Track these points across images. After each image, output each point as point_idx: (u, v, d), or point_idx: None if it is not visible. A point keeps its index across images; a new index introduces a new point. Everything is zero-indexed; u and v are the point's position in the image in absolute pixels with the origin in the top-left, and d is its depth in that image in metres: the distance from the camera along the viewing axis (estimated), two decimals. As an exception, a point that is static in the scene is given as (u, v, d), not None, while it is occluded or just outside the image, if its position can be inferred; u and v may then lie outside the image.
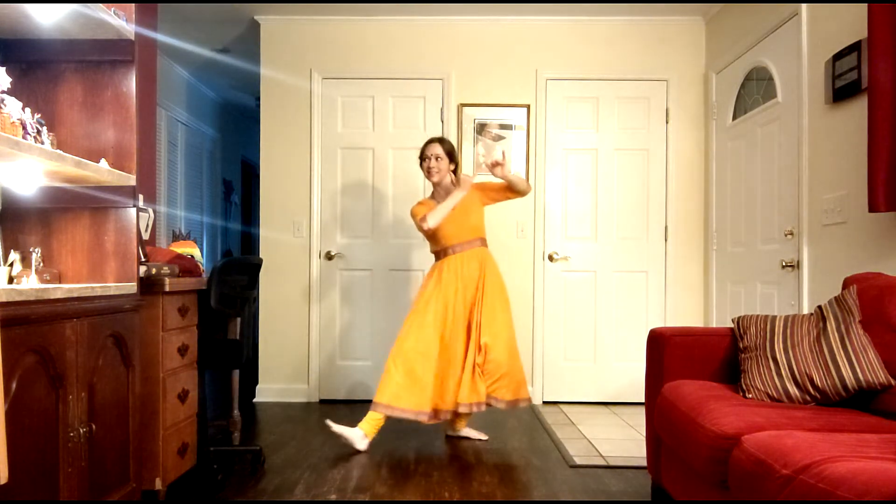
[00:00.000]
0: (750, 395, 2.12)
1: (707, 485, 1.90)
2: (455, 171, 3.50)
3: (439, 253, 3.45)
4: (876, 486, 1.20)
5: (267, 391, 4.48)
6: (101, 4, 2.09)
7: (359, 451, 3.22)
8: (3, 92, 1.77)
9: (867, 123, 2.50)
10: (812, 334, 2.13)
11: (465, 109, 4.44)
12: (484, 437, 3.48)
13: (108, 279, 2.26)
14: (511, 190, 3.43)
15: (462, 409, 3.22)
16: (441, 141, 3.48)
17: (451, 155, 3.48)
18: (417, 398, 3.19)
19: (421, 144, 3.54)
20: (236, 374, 4.04)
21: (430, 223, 3.29)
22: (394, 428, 3.69)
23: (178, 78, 5.61)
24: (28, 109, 1.89)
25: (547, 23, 4.46)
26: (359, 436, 3.23)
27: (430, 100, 4.46)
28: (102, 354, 2.03)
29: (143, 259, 2.67)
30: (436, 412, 3.25)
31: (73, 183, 2.16)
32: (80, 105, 2.28)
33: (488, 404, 3.28)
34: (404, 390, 3.18)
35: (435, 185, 3.50)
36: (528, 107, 4.45)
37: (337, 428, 3.24)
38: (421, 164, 3.51)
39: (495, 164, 3.33)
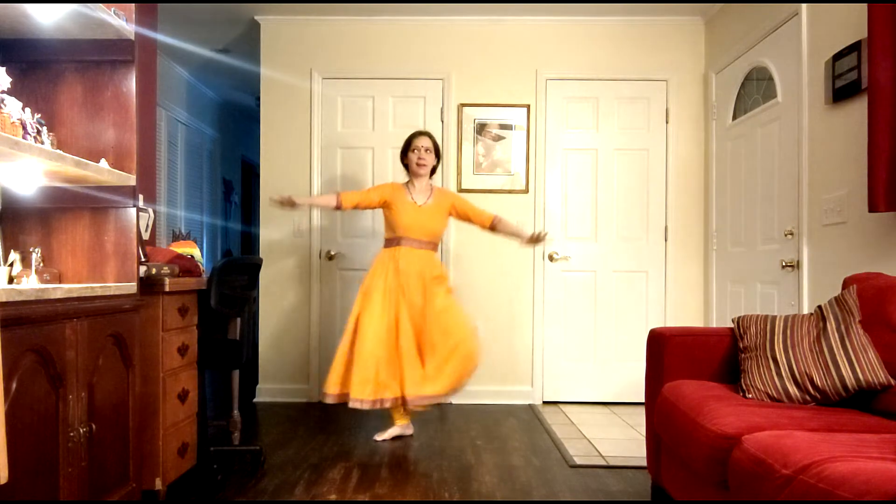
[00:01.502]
0: (750, 395, 2.12)
1: (707, 485, 1.90)
2: (435, 167, 3.56)
3: (391, 241, 3.47)
4: (876, 486, 1.20)
5: (267, 391, 4.48)
6: (101, 4, 2.09)
7: (378, 443, 3.39)
8: (3, 92, 1.77)
9: (867, 123, 2.50)
10: (812, 334, 2.13)
11: (465, 109, 4.44)
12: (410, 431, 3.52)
13: (108, 279, 2.26)
14: (488, 228, 3.54)
15: (427, 402, 3.28)
16: (430, 135, 3.56)
17: (437, 151, 3.55)
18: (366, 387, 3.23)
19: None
20: (236, 374, 4.03)
21: (333, 203, 3.43)
22: (394, 428, 3.70)
23: (178, 78, 5.61)
24: (28, 109, 1.89)
25: (547, 23, 4.46)
26: (399, 429, 3.46)
27: (430, 100, 4.46)
28: (102, 354, 2.03)
29: (143, 259, 2.67)
30: (380, 402, 3.24)
31: (73, 183, 2.16)
32: (80, 105, 2.28)
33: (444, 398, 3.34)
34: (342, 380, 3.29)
35: (417, 177, 3.50)
36: (528, 107, 4.45)
37: (387, 435, 3.44)
38: (406, 156, 3.52)
39: (537, 241, 3.48)
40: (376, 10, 4.35)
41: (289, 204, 3.35)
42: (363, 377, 3.17)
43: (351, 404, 3.17)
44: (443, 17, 4.45)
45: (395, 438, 3.45)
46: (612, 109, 4.46)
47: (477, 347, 3.37)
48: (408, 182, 3.54)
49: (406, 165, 3.56)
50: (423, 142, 3.49)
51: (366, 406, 3.18)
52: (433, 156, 3.51)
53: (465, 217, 3.58)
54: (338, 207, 3.46)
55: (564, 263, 4.46)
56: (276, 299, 4.47)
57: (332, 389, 3.27)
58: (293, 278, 4.47)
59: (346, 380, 3.24)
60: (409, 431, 3.52)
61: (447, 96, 4.44)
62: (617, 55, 4.45)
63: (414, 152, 3.48)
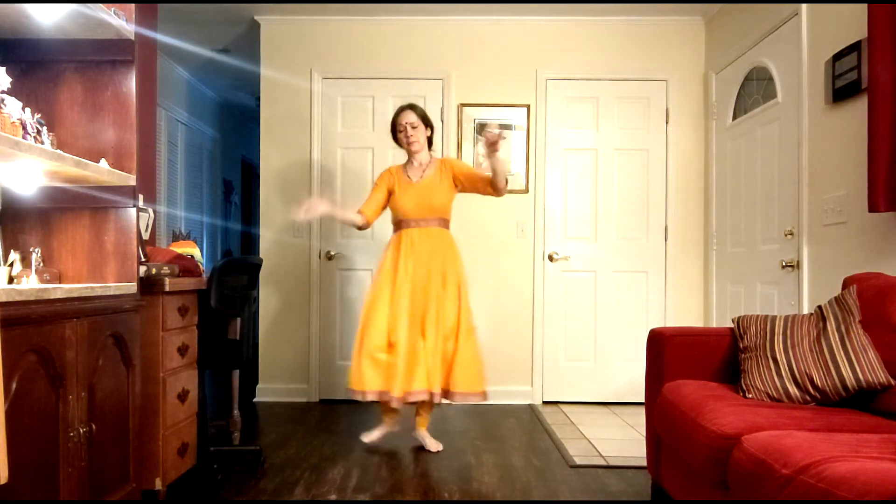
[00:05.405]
0: (750, 395, 2.12)
1: (707, 485, 1.90)
2: (430, 137, 3.32)
3: (398, 224, 3.28)
4: (876, 486, 1.20)
5: (267, 391, 4.48)
6: (101, 4, 2.09)
7: (367, 445, 3.29)
8: (3, 92, 1.77)
9: (867, 123, 2.50)
10: (812, 334, 2.13)
11: (465, 109, 4.44)
12: (438, 447, 3.24)
13: (108, 279, 2.26)
14: (490, 186, 3.16)
15: (419, 397, 3.05)
16: (413, 107, 3.28)
17: (426, 120, 3.28)
18: (378, 380, 3.08)
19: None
20: (236, 374, 4.03)
21: (360, 220, 3.21)
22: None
23: (178, 78, 5.61)
24: (28, 109, 1.89)
25: (547, 23, 4.46)
26: (377, 433, 3.30)
27: (430, 100, 4.46)
28: (102, 354, 2.03)
29: (143, 259, 2.67)
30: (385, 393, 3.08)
31: (73, 183, 2.16)
32: (80, 105, 2.28)
33: (444, 395, 3.12)
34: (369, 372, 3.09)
35: (413, 155, 3.29)
36: (528, 107, 4.45)
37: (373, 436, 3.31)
38: (395, 136, 3.32)
39: (493, 144, 2.95)
40: (376, 10, 4.35)
41: (314, 210, 3.12)
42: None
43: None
44: (443, 17, 4.45)
45: (394, 438, 3.45)
46: (611, 109, 4.46)
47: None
48: (407, 161, 3.34)
49: (400, 145, 3.34)
50: (407, 118, 3.22)
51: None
52: (421, 129, 3.24)
53: (472, 183, 3.24)
54: (366, 224, 3.25)
55: (564, 263, 4.46)
56: (276, 299, 4.47)
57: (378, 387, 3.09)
58: (293, 278, 4.47)
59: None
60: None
61: (447, 96, 4.44)
62: (617, 55, 4.45)
63: (401, 133, 3.25)
